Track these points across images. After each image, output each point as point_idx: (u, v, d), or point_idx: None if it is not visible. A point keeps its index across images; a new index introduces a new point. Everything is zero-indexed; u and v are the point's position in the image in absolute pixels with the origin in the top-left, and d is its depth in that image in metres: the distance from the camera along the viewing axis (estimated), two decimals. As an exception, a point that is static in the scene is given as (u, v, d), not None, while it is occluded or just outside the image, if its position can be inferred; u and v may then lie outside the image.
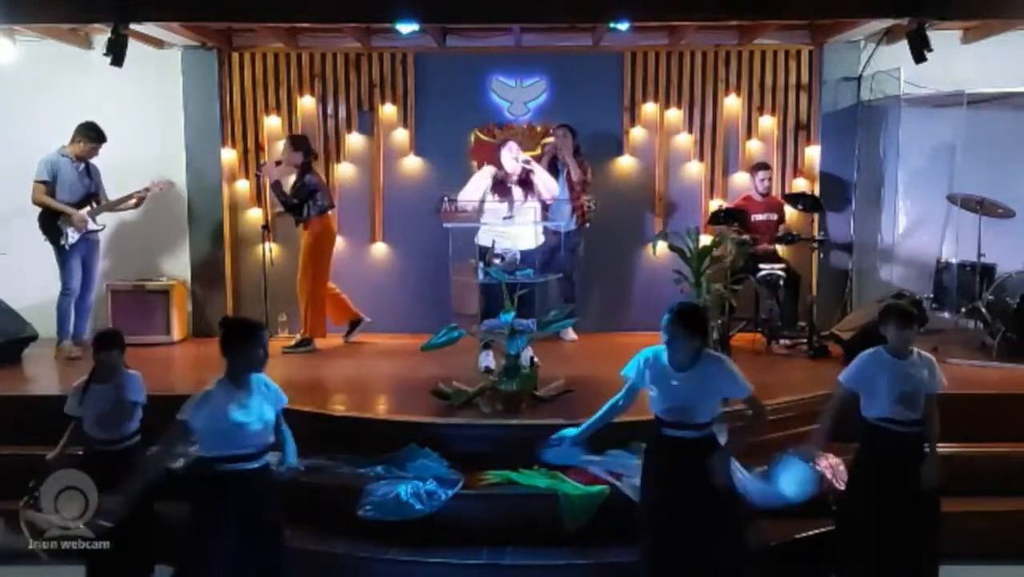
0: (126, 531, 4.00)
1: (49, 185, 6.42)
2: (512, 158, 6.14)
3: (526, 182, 6.14)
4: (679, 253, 6.91)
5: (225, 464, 3.49)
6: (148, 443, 4.25)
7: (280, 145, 7.26)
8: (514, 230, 5.97)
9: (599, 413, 3.95)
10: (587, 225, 7.15)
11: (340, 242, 7.68)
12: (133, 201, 6.78)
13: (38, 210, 6.47)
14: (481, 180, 6.16)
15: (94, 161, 6.66)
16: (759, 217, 7.15)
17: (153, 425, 4.38)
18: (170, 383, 5.81)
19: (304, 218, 6.88)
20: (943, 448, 4.50)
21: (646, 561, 3.80)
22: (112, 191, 6.79)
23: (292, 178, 6.91)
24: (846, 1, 6.07)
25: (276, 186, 6.84)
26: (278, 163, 6.98)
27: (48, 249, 6.53)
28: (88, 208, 6.58)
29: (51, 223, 6.43)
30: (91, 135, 6.51)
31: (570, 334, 7.06)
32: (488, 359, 5.83)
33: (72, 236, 6.47)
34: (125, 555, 4.03)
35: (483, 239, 6.00)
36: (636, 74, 7.58)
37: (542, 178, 6.22)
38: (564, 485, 4.44)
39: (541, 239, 6.27)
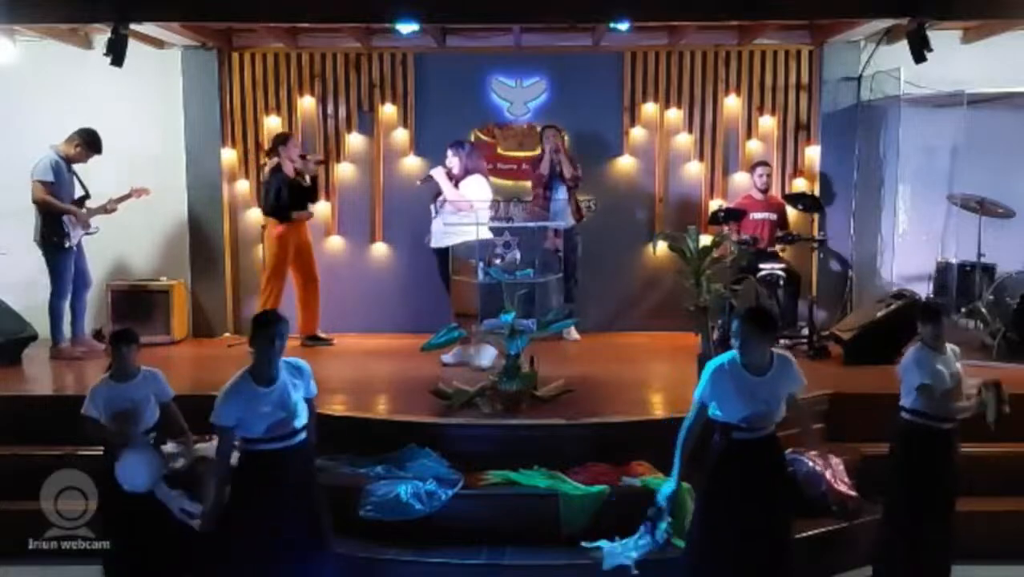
0: (146, 536, 3.99)
1: (53, 185, 6.40)
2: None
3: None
4: (679, 253, 6.91)
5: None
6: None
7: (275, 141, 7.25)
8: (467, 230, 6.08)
9: (679, 450, 3.79)
10: (582, 221, 7.16)
11: (340, 242, 7.70)
12: (115, 205, 6.74)
13: (37, 210, 6.45)
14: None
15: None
16: (758, 216, 7.15)
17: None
18: (170, 383, 5.78)
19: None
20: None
21: (699, 560, 3.79)
22: (111, 191, 6.77)
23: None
24: (846, 1, 6.07)
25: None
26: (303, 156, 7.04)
27: (47, 249, 6.52)
28: (84, 210, 6.57)
29: (56, 223, 6.41)
30: (91, 141, 6.48)
31: (573, 334, 7.06)
32: (452, 356, 6.00)
33: (75, 237, 6.46)
34: (147, 561, 4.01)
35: (447, 242, 6.06)
36: (636, 74, 7.58)
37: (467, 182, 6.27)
38: (564, 485, 4.44)
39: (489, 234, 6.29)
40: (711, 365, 3.75)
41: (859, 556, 4.40)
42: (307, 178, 6.95)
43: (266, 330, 3.68)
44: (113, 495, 3.96)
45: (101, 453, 4.15)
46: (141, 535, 3.95)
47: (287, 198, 6.82)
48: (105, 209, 6.66)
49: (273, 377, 3.68)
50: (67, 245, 6.43)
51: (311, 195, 7.10)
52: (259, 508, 3.68)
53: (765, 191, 7.24)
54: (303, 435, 3.78)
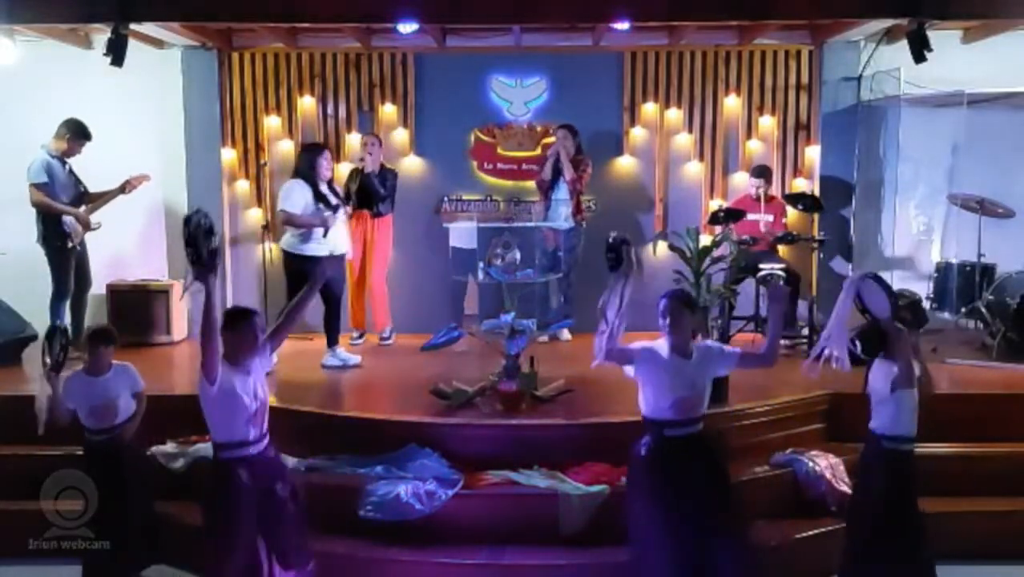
0: (125, 530, 4.04)
1: (48, 187, 6.39)
2: (327, 166, 6.28)
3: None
4: (679, 253, 6.91)
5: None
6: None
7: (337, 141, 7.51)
8: (337, 235, 6.13)
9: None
10: (583, 224, 7.14)
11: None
12: (114, 196, 6.73)
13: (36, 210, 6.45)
14: (303, 192, 6.11)
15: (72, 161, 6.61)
16: (756, 218, 7.14)
17: (156, 423, 4.43)
18: (170, 383, 5.80)
19: (383, 212, 7.05)
20: (943, 448, 4.51)
21: (652, 567, 3.73)
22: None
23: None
24: (846, 1, 6.08)
25: (372, 176, 6.93)
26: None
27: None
28: (84, 208, 6.57)
29: (55, 224, 6.40)
30: (79, 131, 6.46)
31: (565, 334, 7.06)
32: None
33: (76, 236, 6.46)
34: (123, 554, 4.06)
35: (320, 251, 6.02)
36: (636, 74, 7.58)
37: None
38: (564, 485, 4.45)
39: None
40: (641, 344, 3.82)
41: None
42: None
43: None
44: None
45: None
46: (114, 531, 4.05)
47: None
48: (109, 197, 6.64)
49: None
50: (69, 246, 6.43)
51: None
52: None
53: (760, 200, 7.19)
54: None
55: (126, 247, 7.47)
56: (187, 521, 4.56)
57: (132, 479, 4.20)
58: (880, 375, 3.76)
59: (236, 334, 3.60)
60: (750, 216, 7.10)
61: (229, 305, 7.48)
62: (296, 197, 6.10)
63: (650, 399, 3.77)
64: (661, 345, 3.80)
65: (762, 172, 7.18)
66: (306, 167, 6.21)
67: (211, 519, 3.67)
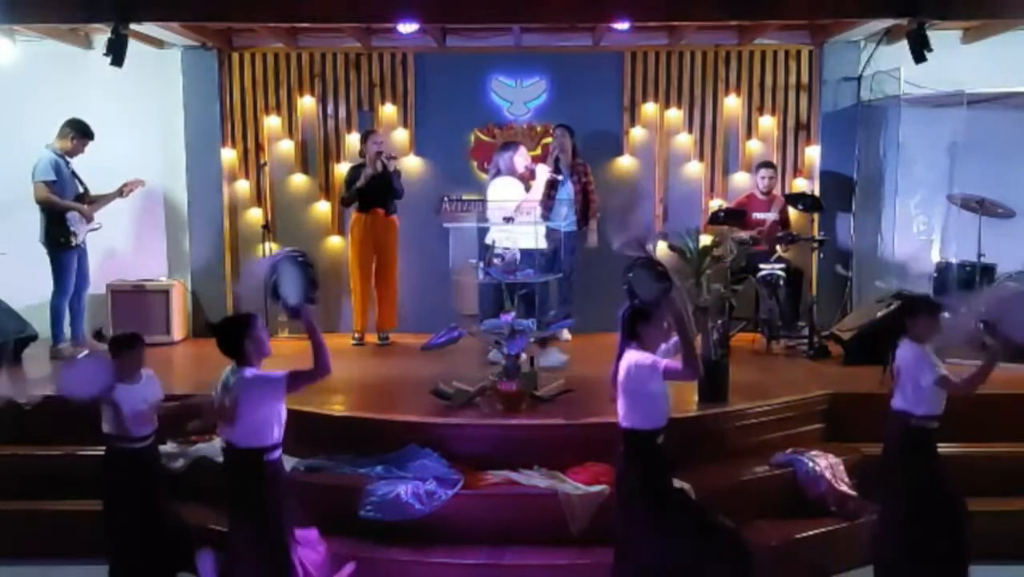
0: (154, 534, 4.00)
1: (55, 184, 6.40)
2: (524, 163, 6.35)
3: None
4: (679, 253, 6.91)
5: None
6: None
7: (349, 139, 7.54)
8: (516, 231, 6.01)
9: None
10: (587, 225, 7.14)
11: (339, 242, 7.71)
12: (112, 199, 6.75)
13: (37, 209, 6.45)
14: (516, 189, 6.31)
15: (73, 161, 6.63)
16: (760, 216, 7.15)
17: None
18: (170, 383, 5.78)
19: (394, 211, 7.11)
20: (942, 448, 4.50)
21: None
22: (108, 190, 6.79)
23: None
24: (846, 1, 6.08)
25: (397, 175, 7.03)
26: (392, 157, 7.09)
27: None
28: (87, 205, 6.58)
29: (61, 222, 6.41)
30: (82, 129, 6.49)
31: (564, 335, 7.06)
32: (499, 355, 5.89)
33: (81, 234, 6.48)
34: (151, 559, 4.02)
35: (487, 238, 6.07)
36: (636, 74, 7.58)
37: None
38: (564, 485, 4.45)
39: (543, 243, 6.30)
40: (649, 360, 3.69)
41: (859, 556, 4.40)
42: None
43: None
44: (116, 501, 3.98)
45: (103, 453, 4.13)
46: (145, 539, 3.97)
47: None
48: (108, 199, 6.65)
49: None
50: (74, 244, 6.45)
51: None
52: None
53: (768, 193, 7.23)
54: None
55: (127, 247, 7.47)
56: (188, 522, 4.56)
57: (160, 485, 4.15)
58: (910, 356, 3.88)
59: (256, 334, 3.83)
60: (756, 215, 7.11)
61: (230, 308, 7.54)
62: (506, 194, 6.22)
63: (661, 407, 3.73)
64: (645, 355, 3.75)
65: (768, 163, 7.28)
66: (507, 165, 6.30)
67: (273, 516, 3.72)
